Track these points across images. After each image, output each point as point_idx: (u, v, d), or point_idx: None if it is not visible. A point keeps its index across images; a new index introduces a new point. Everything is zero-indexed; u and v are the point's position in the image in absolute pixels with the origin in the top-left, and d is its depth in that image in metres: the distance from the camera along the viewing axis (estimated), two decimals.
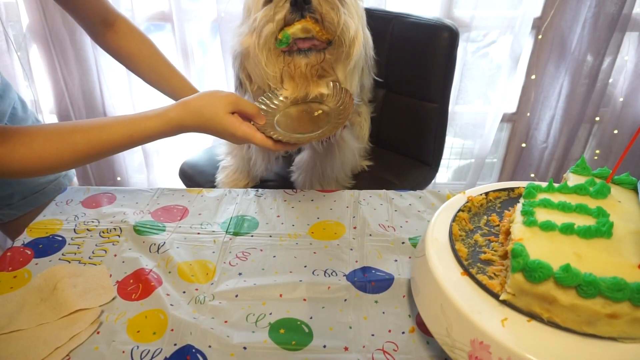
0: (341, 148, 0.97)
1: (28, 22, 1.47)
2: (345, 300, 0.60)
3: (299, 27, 0.74)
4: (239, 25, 0.84)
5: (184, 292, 0.62)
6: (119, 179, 1.79)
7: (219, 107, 0.69)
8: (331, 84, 0.80)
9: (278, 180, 1.12)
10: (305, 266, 0.66)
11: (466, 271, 0.50)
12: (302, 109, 0.79)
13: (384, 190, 0.83)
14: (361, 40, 0.78)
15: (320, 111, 0.78)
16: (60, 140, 0.64)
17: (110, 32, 0.88)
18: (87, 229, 0.73)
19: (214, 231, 0.74)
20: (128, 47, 0.89)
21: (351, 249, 0.69)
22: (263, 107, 0.76)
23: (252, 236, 0.72)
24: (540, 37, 1.50)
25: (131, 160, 1.79)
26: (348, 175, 1.06)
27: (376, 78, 0.95)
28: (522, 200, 0.55)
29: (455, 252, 0.52)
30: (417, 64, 1.15)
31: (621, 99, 1.59)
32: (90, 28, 0.88)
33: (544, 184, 0.57)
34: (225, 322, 0.57)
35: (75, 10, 0.84)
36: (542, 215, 0.50)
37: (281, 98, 0.78)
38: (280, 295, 0.61)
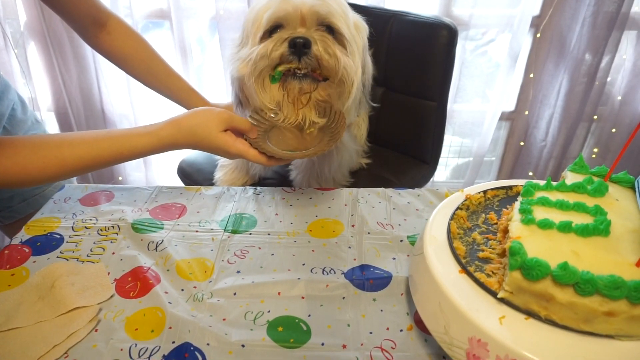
0: (339, 150, 0.97)
1: (26, 19, 1.46)
2: (344, 298, 0.60)
3: (289, 67, 0.72)
4: (237, 45, 0.81)
5: (182, 289, 0.62)
6: (120, 178, 1.79)
7: (212, 127, 0.69)
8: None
9: (277, 178, 1.12)
10: (303, 264, 0.66)
11: (464, 269, 0.50)
12: (294, 126, 0.79)
13: (382, 189, 0.83)
14: (359, 78, 0.76)
15: (312, 129, 0.78)
16: (47, 153, 0.64)
17: (102, 33, 0.85)
18: (85, 227, 0.73)
19: (212, 229, 0.73)
20: (122, 48, 0.86)
21: (349, 247, 0.69)
22: (254, 122, 0.76)
23: (250, 234, 0.72)
24: (538, 35, 1.50)
25: None
26: (345, 175, 1.06)
27: (373, 104, 0.95)
28: (520, 199, 0.55)
29: (453, 250, 0.52)
30: (415, 62, 1.15)
31: (619, 98, 1.59)
32: (82, 29, 0.85)
33: (542, 182, 0.57)
34: (224, 319, 0.57)
35: (63, 11, 0.81)
36: (540, 213, 0.50)
37: (272, 115, 0.77)
38: (279, 293, 0.61)
